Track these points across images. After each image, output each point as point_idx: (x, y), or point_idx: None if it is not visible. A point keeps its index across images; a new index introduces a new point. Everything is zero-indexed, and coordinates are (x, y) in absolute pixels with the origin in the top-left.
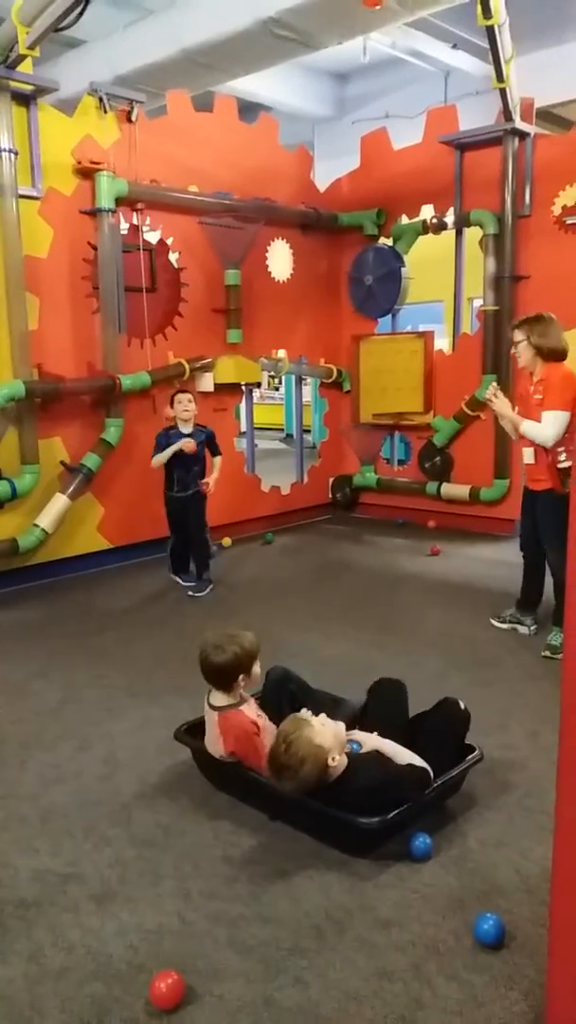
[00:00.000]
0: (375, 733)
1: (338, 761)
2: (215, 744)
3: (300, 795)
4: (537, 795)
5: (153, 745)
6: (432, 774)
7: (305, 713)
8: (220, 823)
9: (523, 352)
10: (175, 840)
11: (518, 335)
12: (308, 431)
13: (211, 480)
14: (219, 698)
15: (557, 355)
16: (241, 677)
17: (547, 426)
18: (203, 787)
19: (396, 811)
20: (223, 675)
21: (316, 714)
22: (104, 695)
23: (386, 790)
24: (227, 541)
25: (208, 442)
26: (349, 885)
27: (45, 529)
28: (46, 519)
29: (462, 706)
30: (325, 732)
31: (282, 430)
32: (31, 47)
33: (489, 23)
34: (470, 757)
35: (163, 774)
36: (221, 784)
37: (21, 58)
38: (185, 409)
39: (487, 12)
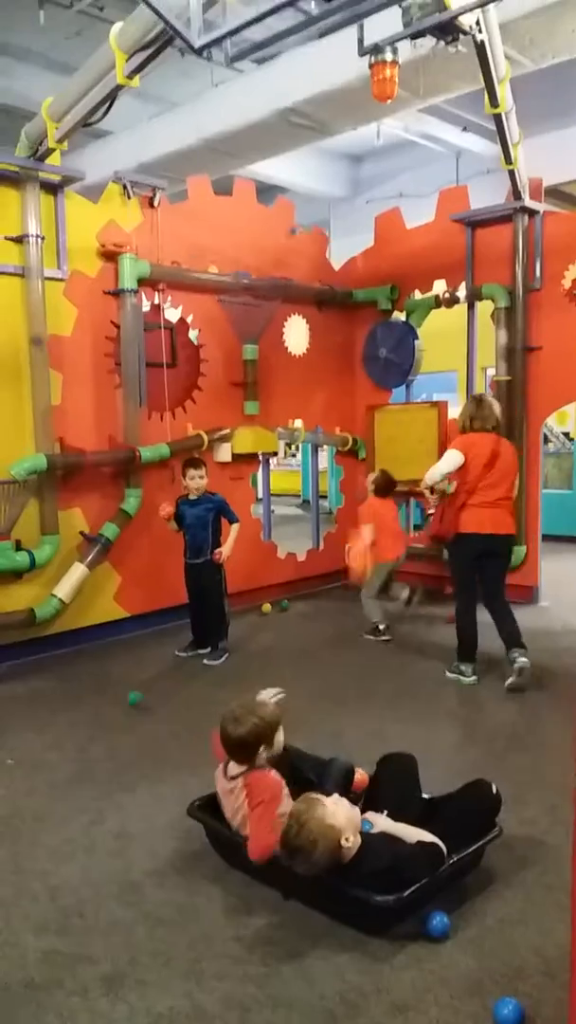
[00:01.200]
0: (385, 812)
1: (352, 842)
2: (236, 811)
3: (312, 875)
4: (556, 872)
5: (166, 820)
6: (445, 850)
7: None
8: (233, 901)
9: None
10: (187, 919)
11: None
12: (324, 497)
13: (224, 548)
14: (237, 768)
15: (481, 427)
16: (263, 748)
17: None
18: (216, 864)
19: (411, 889)
20: (244, 747)
21: (312, 779)
22: (117, 768)
23: (397, 872)
24: (267, 607)
25: (219, 511)
26: (364, 966)
27: (62, 599)
28: (64, 589)
29: (494, 789)
30: (338, 812)
31: (299, 496)
32: (60, 141)
33: (496, 111)
34: (490, 834)
35: (175, 850)
36: (234, 861)
37: (50, 151)
38: (191, 479)
39: (494, 101)
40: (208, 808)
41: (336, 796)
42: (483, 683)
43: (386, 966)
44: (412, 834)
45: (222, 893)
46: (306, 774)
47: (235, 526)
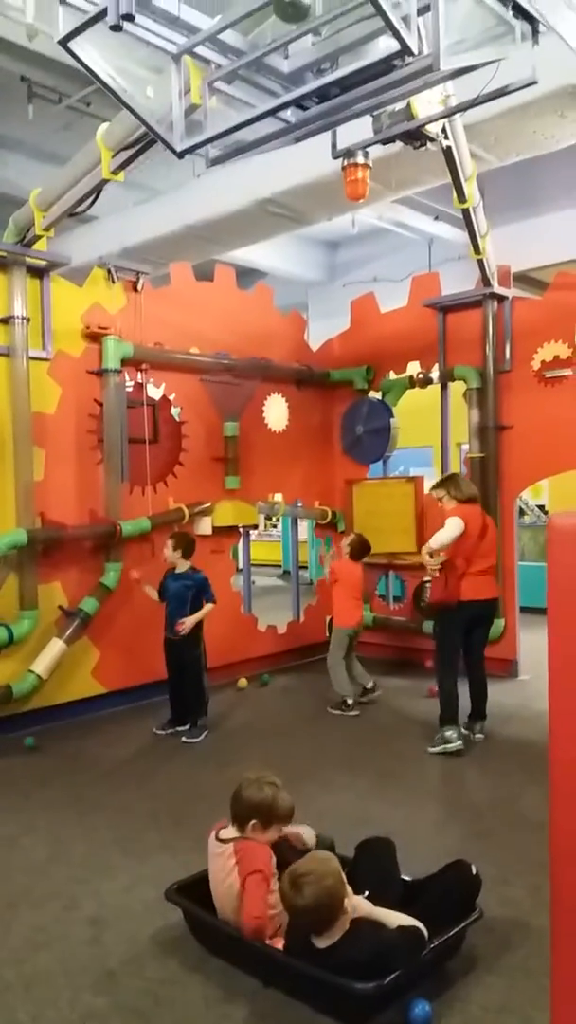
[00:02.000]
0: (366, 893)
1: (349, 912)
2: (225, 879)
3: (312, 920)
4: (540, 955)
5: (142, 905)
6: (426, 933)
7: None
8: (212, 990)
9: (447, 503)
10: (164, 1010)
11: (438, 492)
12: (304, 568)
13: (188, 619)
14: (232, 832)
15: (470, 499)
16: (253, 823)
17: (447, 524)
18: (194, 950)
19: (392, 976)
20: (243, 811)
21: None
22: (93, 851)
23: (379, 960)
24: (243, 682)
25: (198, 590)
26: None
27: (40, 675)
28: (41, 665)
29: (474, 871)
30: (340, 873)
31: (279, 566)
32: (46, 229)
33: (464, 206)
34: (470, 917)
35: (153, 936)
36: (213, 948)
37: (37, 237)
38: (166, 549)
39: (462, 197)
40: (187, 891)
41: None
42: (464, 760)
43: None
44: (392, 919)
45: (202, 981)
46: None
47: (209, 605)
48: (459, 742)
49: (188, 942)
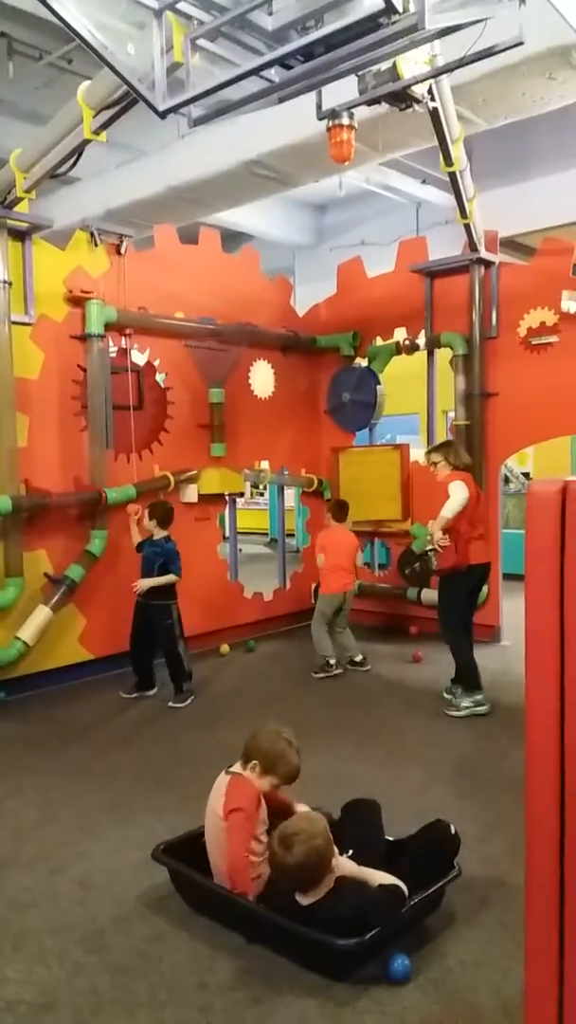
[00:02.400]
0: (350, 852)
1: (335, 873)
2: (215, 807)
3: (301, 879)
4: (516, 911)
5: (130, 866)
6: (406, 891)
7: None
8: (197, 947)
9: (441, 470)
10: (151, 966)
11: (434, 456)
12: (292, 535)
13: (142, 581)
14: (237, 767)
15: (465, 468)
16: (253, 764)
17: (452, 491)
18: (180, 909)
19: (371, 933)
20: (251, 752)
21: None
22: (80, 814)
23: (361, 918)
24: (225, 648)
25: (165, 558)
26: (327, 1012)
27: (26, 642)
28: (27, 631)
29: (453, 830)
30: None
31: (266, 534)
32: (28, 190)
33: (451, 170)
34: (449, 875)
35: (140, 896)
36: (199, 906)
37: (18, 199)
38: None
39: (448, 160)
40: (173, 851)
41: None
42: (447, 724)
43: (348, 1010)
44: (374, 877)
45: (187, 939)
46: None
47: (169, 576)
48: (487, 705)
49: (174, 902)
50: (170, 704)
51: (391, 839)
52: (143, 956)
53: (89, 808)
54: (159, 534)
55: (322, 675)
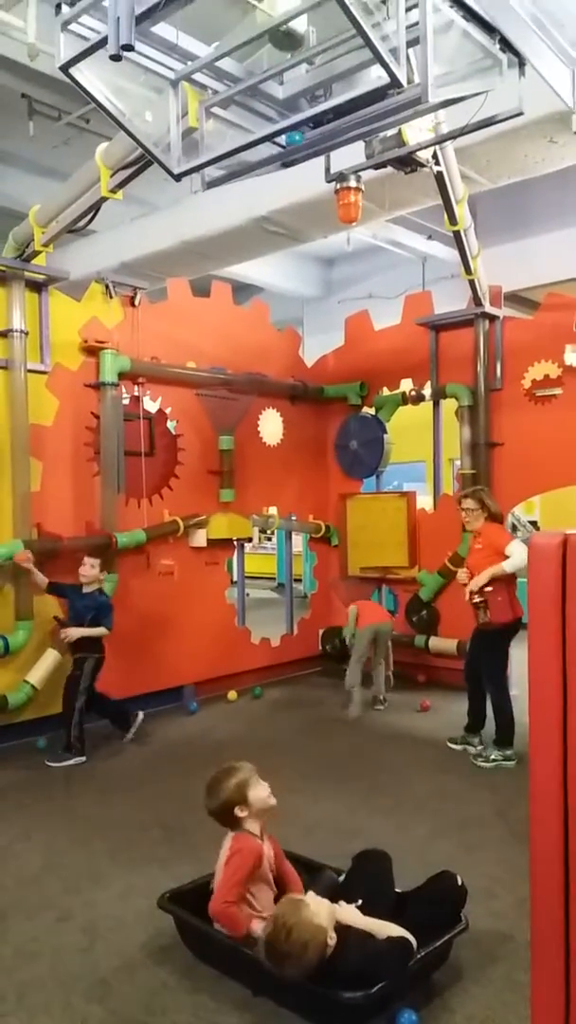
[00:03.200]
0: (359, 902)
1: (333, 940)
2: (220, 864)
3: (302, 979)
4: (524, 967)
5: (134, 914)
6: (415, 943)
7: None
8: (202, 999)
9: (474, 519)
10: (155, 1017)
11: (470, 503)
12: (299, 581)
13: (73, 629)
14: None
15: (498, 518)
16: (237, 809)
17: (518, 550)
18: (185, 958)
19: (380, 985)
20: (220, 817)
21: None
22: (86, 861)
23: (368, 971)
24: (232, 695)
25: (97, 612)
26: None
27: (35, 685)
28: (36, 675)
29: (459, 881)
30: (321, 911)
31: (274, 579)
32: (45, 244)
33: (455, 229)
34: (455, 929)
35: (144, 945)
36: (204, 956)
37: (36, 252)
38: (82, 565)
39: (453, 220)
40: (179, 900)
41: (311, 893)
42: (454, 775)
43: None
44: (383, 929)
45: (191, 990)
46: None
47: (100, 630)
48: (515, 760)
49: (179, 951)
50: (46, 761)
51: (398, 891)
52: (147, 1008)
53: (95, 855)
54: (94, 585)
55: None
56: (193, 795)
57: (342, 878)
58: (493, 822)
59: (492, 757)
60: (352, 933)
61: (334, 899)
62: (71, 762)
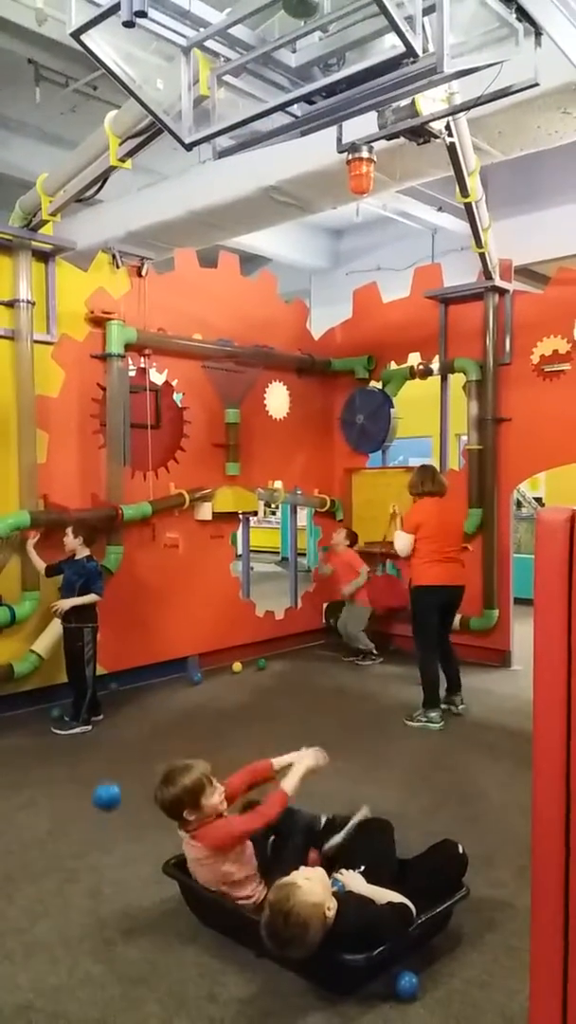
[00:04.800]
0: (362, 868)
1: (333, 908)
2: (198, 864)
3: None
4: (523, 934)
5: (139, 879)
6: (414, 910)
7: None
8: (206, 960)
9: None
10: (160, 977)
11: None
12: (303, 554)
13: (63, 601)
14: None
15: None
16: (186, 812)
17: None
18: (190, 922)
19: (380, 948)
20: (168, 813)
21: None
22: (92, 826)
23: (367, 932)
24: (237, 666)
25: (86, 578)
26: None
27: (41, 655)
28: (42, 644)
29: (460, 849)
30: (314, 886)
31: (278, 553)
32: (53, 214)
33: (467, 200)
34: (457, 895)
35: (150, 908)
36: (208, 920)
37: (43, 222)
38: (66, 540)
39: (464, 192)
40: (183, 866)
41: (303, 869)
42: (455, 747)
43: None
44: (382, 895)
45: (196, 952)
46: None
47: (90, 595)
48: (440, 724)
49: (183, 915)
50: (53, 729)
51: (400, 858)
52: (153, 968)
53: (100, 821)
54: (82, 552)
55: (363, 662)
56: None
57: (338, 838)
58: (495, 793)
59: (415, 716)
60: (352, 897)
61: (316, 840)
62: (76, 731)
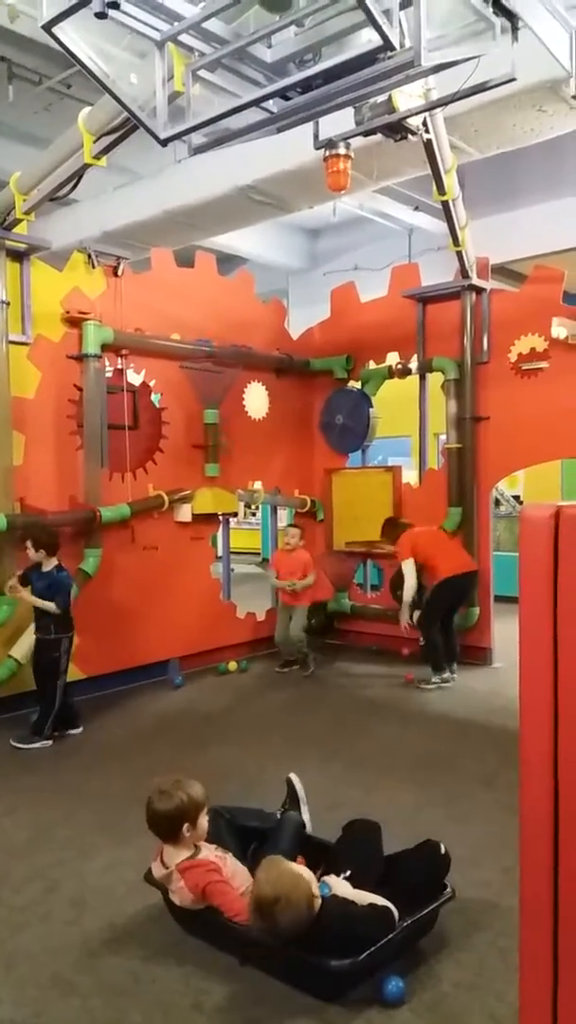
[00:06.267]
0: (348, 872)
1: (318, 898)
2: (183, 898)
3: (295, 934)
4: (510, 935)
5: (123, 886)
6: (396, 913)
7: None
8: (190, 969)
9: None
10: (144, 987)
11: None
12: None
13: (22, 592)
14: (174, 854)
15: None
16: (186, 827)
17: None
18: (173, 930)
19: (366, 953)
20: (167, 823)
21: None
22: (74, 834)
23: (349, 932)
24: (233, 665)
25: (55, 589)
26: None
27: (18, 660)
28: (20, 650)
29: (443, 850)
30: (302, 870)
31: (259, 554)
32: (27, 212)
33: (444, 199)
34: (441, 897)
35: (132, 917)
36: (191, 928)
37: (17, 221)
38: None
39: (441, 189)
40: None
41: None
42: (439, 746)
43: None
44: (365, 898)
45: (179, 960)
46: (248, 823)
47: (49, 604)
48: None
49: (166, 923)
50: (11, 742)
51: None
52: (136, 977)
53: (82, 828)
54: (49, 563)
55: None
56: (182, 768)
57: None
58: (479, 793)
59: (432, 680)
60: (335, 900)
61: (304, 845)
62: (37, 745)
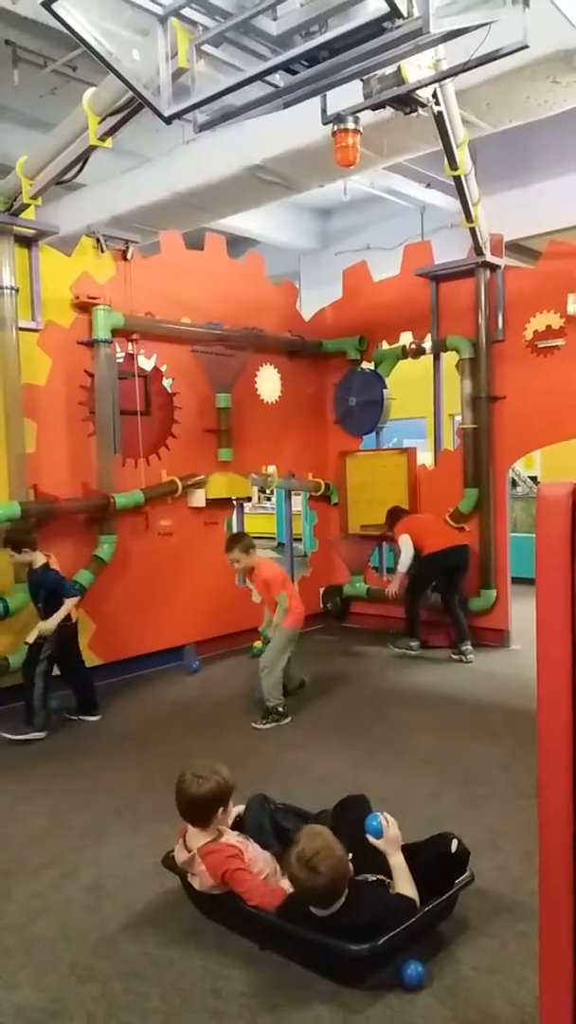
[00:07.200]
0: (350, 856)
1: (349, 864)
2: (203, 882)
3: (334, 890)
4: (530, 919)
5: (140, 872)
6: (417, 901)
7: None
8: (209, 953)
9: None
10: (163, 972)
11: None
12: (299, 540)
13: (44, 623)
14: (197, 837)
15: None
16: (221, 810)
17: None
18: (191, 915)
19: (384, 939)
20: (203, 807)
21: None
22: (90, 820)
23: (380, 924)
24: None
25: (48, 591)
26: (340, 1018)
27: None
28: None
29: (454, 848)
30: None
31: (274, 538)
32: (34, 197)
33: (456, 173)
34: (460, 879)
35: (150, 902)
36: (210, 912)
37: (25, 206)
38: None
39: (453, 164)
40: None
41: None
42: (457, 728)
43: (361, 1018)
44: (400, 876)
45: (198, 945)
46: (283, 823)
47: (68, 601)
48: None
49: (185, 907)
50: (2, 733)
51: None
52: (155, 962)
53: (99, 814)
54: (38, 560)
55: (263, 726)
56: (197, 753)
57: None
58: (496, 776)
59: (399, 643)
60: (363, 886)
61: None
62: (29, 736)
